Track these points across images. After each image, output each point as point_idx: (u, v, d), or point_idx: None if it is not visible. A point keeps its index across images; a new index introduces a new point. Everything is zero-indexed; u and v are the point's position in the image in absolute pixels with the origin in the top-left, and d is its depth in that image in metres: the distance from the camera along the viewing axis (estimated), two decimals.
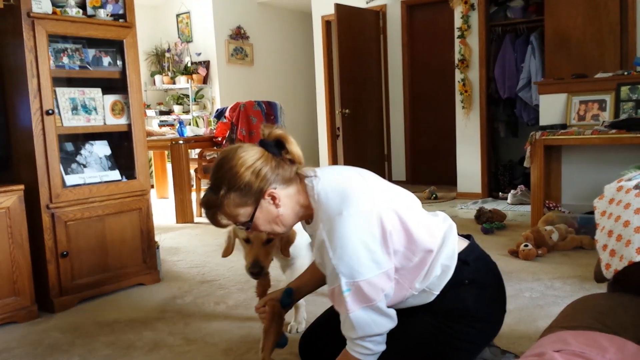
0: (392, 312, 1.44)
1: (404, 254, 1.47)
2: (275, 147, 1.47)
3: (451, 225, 1.59)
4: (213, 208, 1.46)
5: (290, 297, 1.79)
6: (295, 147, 1.48)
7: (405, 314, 1.52)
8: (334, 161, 7.12)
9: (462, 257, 1.55)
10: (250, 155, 1.44)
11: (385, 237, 1.42)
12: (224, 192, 1.42)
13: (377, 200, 1.46)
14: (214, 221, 1.50)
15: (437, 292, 1.51)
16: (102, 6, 2.88)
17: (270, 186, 1.44)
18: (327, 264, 1.41)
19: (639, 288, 1.51)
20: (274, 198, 1.45)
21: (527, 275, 2.93)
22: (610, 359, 1.07)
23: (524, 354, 1.15)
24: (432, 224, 1.55)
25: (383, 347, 1.45)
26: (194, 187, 5.21)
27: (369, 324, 1.40)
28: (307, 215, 1.53)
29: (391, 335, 1.49)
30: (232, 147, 1.50)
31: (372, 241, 1.40)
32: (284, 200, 1.47)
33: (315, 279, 1.83)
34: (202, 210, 1.53)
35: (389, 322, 1.43)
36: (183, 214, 4.82)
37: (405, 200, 1.55)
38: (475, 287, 1.55)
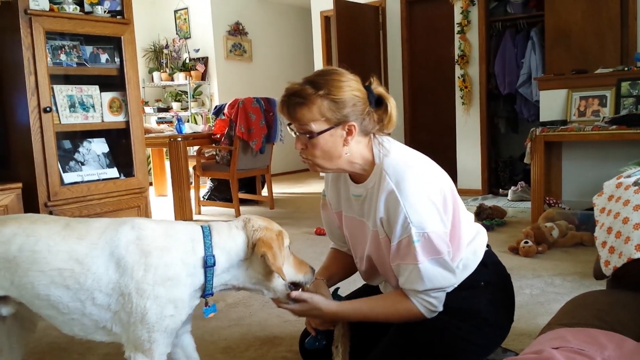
0: (455, 268, 1.46)
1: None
2: (375, 101, 1.47)
3: (481, 227, 1.64)
4: (302, 98, 1.40)
5: (341, 298, 1.68)
6: (394, 111, 1.49)
7: None
8: None
9: (483, 259, 1.58)
10: (357, 86, 1.45)
11: (444, 205, 1.45)
12: (322, 93, 1.40)
13: (440, 174, 1.50)
14: (291, 111, 1.42)
15: (456, 285, 1.51)
16: (100, 3, 2.87)
17: (354, 122, 1.44)
18: (396, 214, 1.39)
19: (638, 285, 1.51)
20: (349, 132, 1.43)
21: (527, 272, 2.93)
22: (609, 355, 1.07)
23: (522, 352, 1.15)
24: (470, 218, 1.61)
25: (441, 308, 1.46)
26: (193, 184, 5.20)
27: (436, 277, 1.41)
28: (358, 171, 1.51)
29: (400, 328, 1.51)
30: (342, 69, 1.48)
31: (436, 200, 1.42)
32: (353, 144, 1.46)
33: (343, 268, 1.77)
34: (284, 95, 1.45)
35: (453, 277, 1.45)
36: (182, 212, 4.81)
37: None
38: (490, 290, 1.57)
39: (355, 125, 1.43)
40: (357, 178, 1.54)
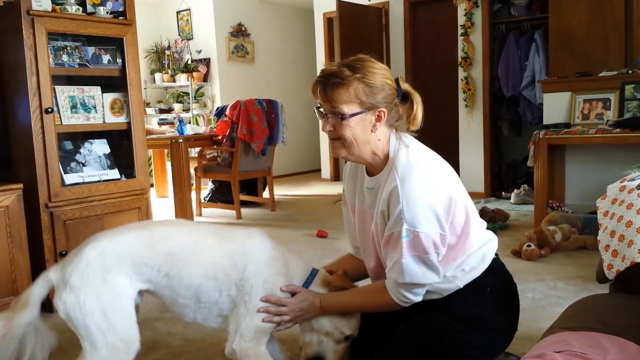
0: (440, 267, 1.46)
1: (453, 240, 1.50)
2: (402, 95, 1.50)
3: (492, 234, 1.66)
4: (340, 79, 1.43)
5: None
6: (420, 108, 1.51)
7: (422, 311, 1.53)
8: (335, 160, 7.10)
9: (492, 265, 1.58)
10: (389, 75, 1.49)
11: (448, 209, 1.45)
12: (358, 76, 1.43)
13: (451, 177, 1.51)
14: (328, 91, 1.44)
15: (461, 285, 1.52)
16: (102, 3, 2.86)
17: (384, 109, 1.46)
18: (394, 208, 1.42)
19: None
20: (379, 118, 1.46)
21: (529, 275, 2.91)
22: (611, 359, 1.06)
23: (525, 355, 1.14)
24: (483, 225, 1.62)
25: (420, 298, 1.49)
26: (194, 186, 5.19)
27: (417, 274, 1.43)
28: (377, 164, 1.53)
29: (404, 331, 1.51)
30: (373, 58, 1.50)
31: (437, 202, 1.42)
32: (379, 132, 1.48)
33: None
34: (320, 76, 1.47)
35: (436, 276, 1.46)
36: (183, 213, 4.81)
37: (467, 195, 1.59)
38: (496, 297, 1.57)
39: (385, 111, 1.46)
40: (372, 171, 1.56)
